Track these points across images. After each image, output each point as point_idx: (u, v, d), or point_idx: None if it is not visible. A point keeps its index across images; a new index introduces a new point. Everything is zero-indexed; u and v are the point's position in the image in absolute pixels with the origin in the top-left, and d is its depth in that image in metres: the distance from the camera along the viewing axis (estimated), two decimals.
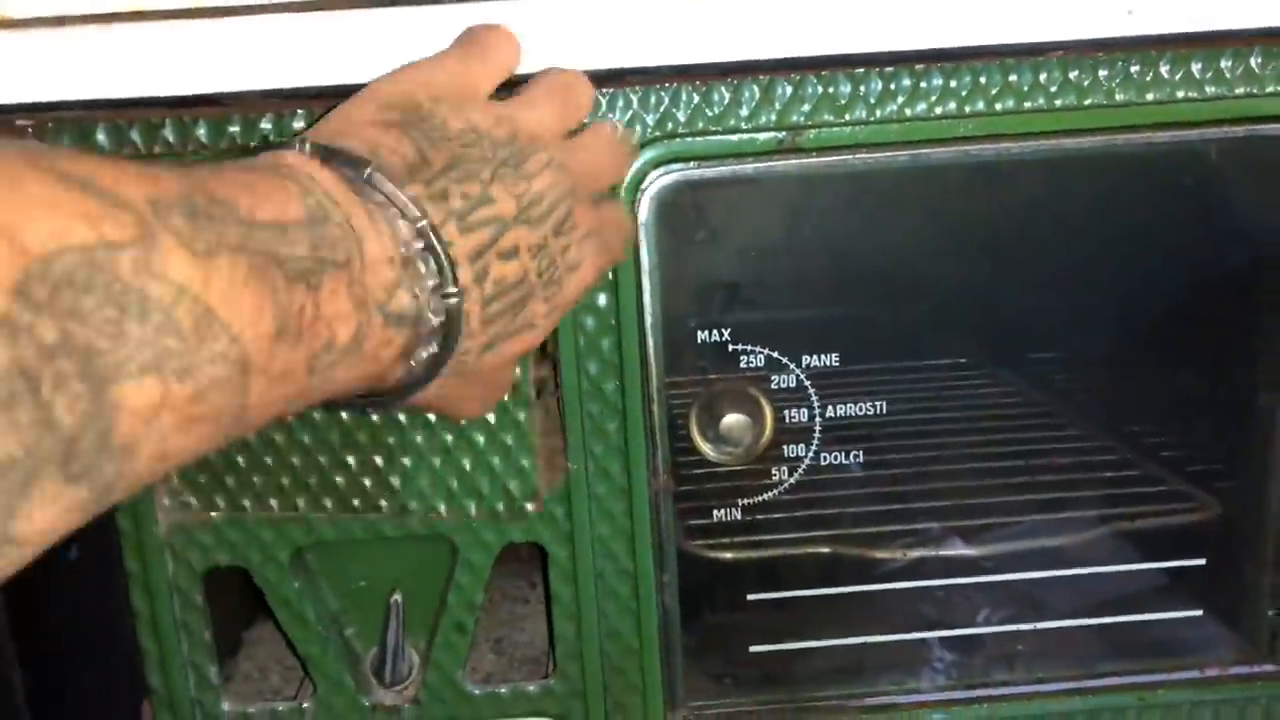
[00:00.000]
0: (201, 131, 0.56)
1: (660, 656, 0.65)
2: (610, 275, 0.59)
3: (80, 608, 0.63)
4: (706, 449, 0.63)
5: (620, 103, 0.57)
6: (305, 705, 0.65)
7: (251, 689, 0.70)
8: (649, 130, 0.58)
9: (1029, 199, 0.62)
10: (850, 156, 0.59)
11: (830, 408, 0.63)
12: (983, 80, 0.58)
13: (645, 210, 0.59)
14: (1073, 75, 0.57)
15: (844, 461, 0.63)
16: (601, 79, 0.56)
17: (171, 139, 0.56)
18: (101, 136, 0.56)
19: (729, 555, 0.65)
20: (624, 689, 0.65)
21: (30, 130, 0.55)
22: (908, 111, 0.58)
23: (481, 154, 0.40)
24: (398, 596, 0.63)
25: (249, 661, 0.73)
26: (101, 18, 0.52)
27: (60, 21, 0.53)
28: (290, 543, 0.61)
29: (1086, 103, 0.58)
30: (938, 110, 0.58)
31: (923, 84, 0.58)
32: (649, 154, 0.58)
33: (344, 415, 0.59)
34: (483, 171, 0.40)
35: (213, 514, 0.61)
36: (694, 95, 0.57)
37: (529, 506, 0.61)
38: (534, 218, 0.42)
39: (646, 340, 0.60)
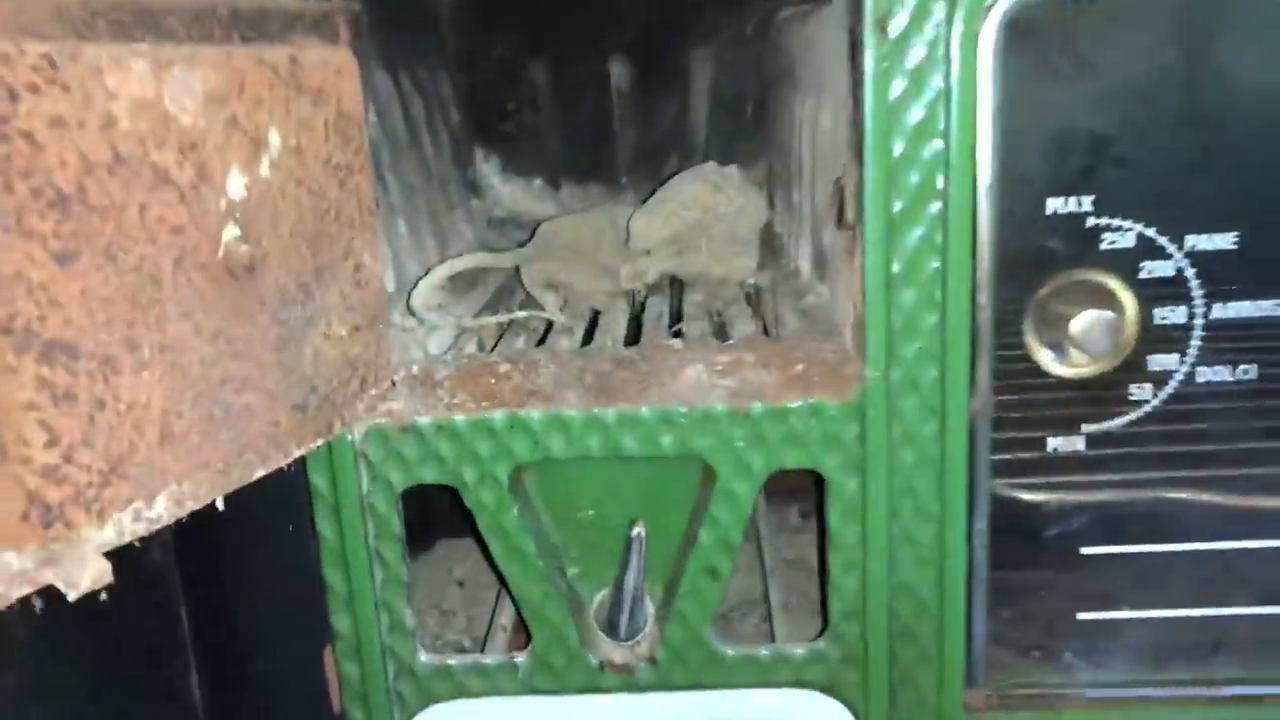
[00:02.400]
0: None
1: (964, 620, 0.51)
2: (941, 122, 0.45)
3: (251, 533, 0.52)
4: (1045, 358, 0.48)
5: None
6: (518, 660, 0.52)
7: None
8: None
9: None
10: None
11: (1217, 306, 0.47)
12: None
13: (989, 37, 0.44)
14: None
15: (1228, 378, 0.48)
16: None
17: None
18: None
19: (1060, 497, 0.50)
20: (914, 658, 0.51)
21: None
22: None
23: None
24: (640, 529, 0.50)
25: None
26: None
27: None
28: (511, 458, 0.49)
29: None
30: None
31: None
32: None
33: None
34: None
35: (417, 418, 0.49)
36: None
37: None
38: None
39: (979, 207, 0.46)
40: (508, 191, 0.96)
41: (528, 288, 0.64)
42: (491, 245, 0.90)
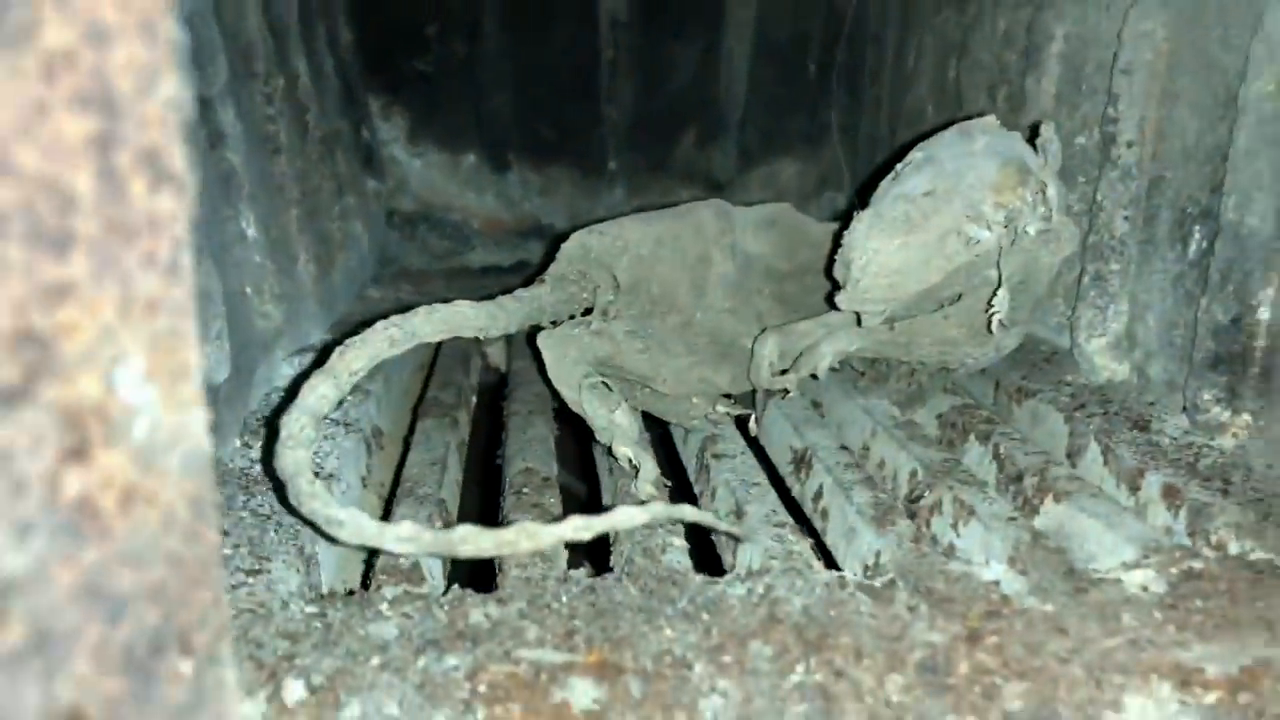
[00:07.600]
0: None
1: None
2: None
3: None
4: None
5: None
6: None
7: None
8: None
9: None
10: None
11: None
12: None
13: None
14: None
15: None
16: None
17: None
18: None
19: None
20: None
21: None
22: None
23: None
24: None
25: None
26: None
27: None
28: None
29: None
30: None
31: None
32: None
33: None
34: None
35: None
36: None
37: None
38: None
39: None
40: (419, 170, 0.60)
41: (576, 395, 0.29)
42: (406, 260, 0.56)
